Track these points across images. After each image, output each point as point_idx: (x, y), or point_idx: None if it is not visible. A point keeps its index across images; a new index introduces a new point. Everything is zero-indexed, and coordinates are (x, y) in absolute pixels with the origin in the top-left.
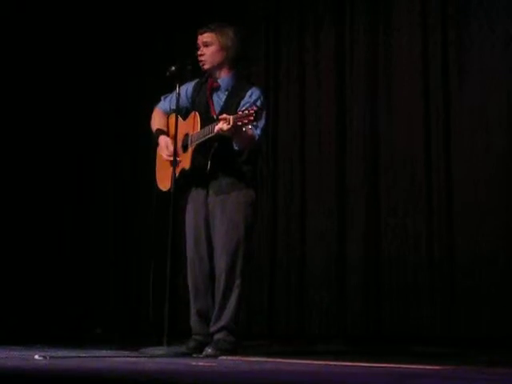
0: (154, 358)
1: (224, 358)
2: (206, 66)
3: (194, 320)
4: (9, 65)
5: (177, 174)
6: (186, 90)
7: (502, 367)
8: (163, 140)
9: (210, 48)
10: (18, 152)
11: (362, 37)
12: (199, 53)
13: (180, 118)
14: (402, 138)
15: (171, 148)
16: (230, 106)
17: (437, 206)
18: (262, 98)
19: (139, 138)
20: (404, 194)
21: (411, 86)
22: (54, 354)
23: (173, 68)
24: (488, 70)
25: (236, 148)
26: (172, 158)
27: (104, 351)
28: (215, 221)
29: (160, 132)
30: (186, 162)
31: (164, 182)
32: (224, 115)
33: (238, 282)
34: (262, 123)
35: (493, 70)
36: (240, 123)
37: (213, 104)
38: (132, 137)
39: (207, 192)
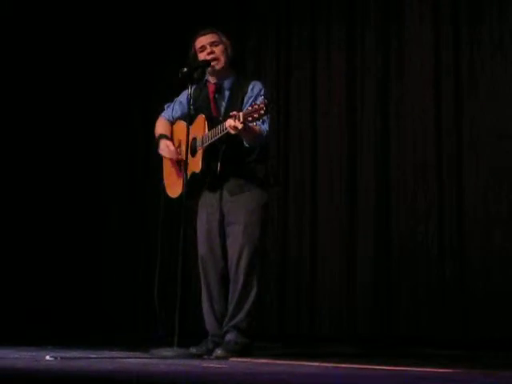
0: (165, 360)
1: (234, 359)
2: (220, 65)
3: (209, 321)
4: (17, 65)
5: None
6: (187, 96)
7: None
8: (163, 142)
9: (218, 47)
10: (30, 150)
11: (372, 32)
12: (209, 51)
13: (186, 124)
14: (413, 137)
15: (172, 147)
16: (234, 104)
17: (448, 207)
18: (264, 90)
19: (151, 138)
20: (415, 195)
21: (422, 89)
22: (64, 354)
23: (185, 69)
24: (500, 69)
25: (246, 145)
26: (173, 157)
27: (115, 352)
28: (230, 223)
29: (162, 136)
30: (196, 165)
31: (172, 189)
32: (234, 112)
33: (253, 284)
34: (268, 118)
35: (505, 68)
36: (251, 118)
37: (215, 105)
38: (144, 137)
39: (219, 194)
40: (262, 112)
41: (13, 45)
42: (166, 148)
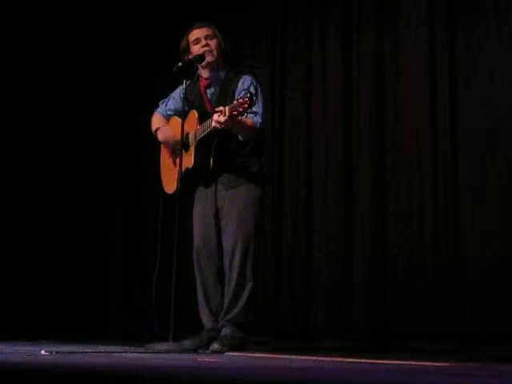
0: (160, 354)
1: (230, 354)
2: (211, 58)
3: (204, 315)
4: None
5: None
6: (180, 92)
7: (510, 363)
8: (161, 130)
9: (213, 41)
10: (26, 150)
11: (369, 33)
12: (203, 44)
13: (180, 120)
14: (409, 138)
15: (170, 132)
16: (224, 98)
17: (443, 205)
18: (254, 84)
19: (147, 135)
20: (410, 194)
21: (418, 90)
22: (60, 349)
23: (179, 64)
24: (496, 70)
25: (241, 139)
26: (173, 140)
27: (110, 347)
28: (224, 217)
29: (160, 128)
30: (188, 161)
31: (169, 185)
32: (220, 107)
33: (249, 278)
34: (261, 110)
35: (501, 69)
36: (236, 112)
37: (208, 100)
38: (140, 134)
39: (214, 188)
40: (246, 106)
41: (12, 44)
42: (164, 133)
